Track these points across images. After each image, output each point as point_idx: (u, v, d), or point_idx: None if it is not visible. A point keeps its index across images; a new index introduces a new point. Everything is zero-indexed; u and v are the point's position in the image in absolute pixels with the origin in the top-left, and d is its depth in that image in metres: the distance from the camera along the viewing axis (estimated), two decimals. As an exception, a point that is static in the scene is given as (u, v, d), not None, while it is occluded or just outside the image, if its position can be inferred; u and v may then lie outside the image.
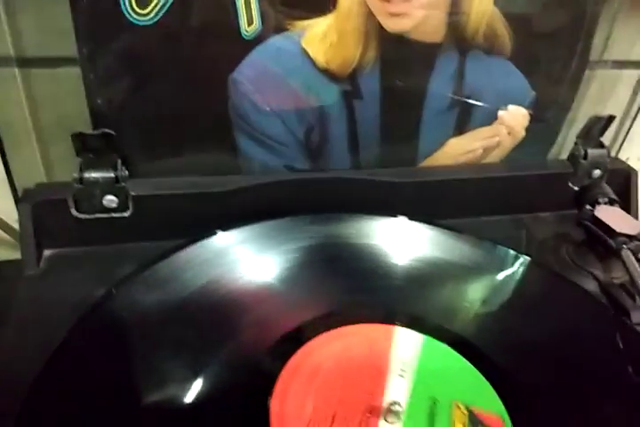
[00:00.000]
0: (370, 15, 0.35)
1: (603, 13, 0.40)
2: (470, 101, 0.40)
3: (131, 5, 0.30)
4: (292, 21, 0.34)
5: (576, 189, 0.45)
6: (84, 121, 0.36)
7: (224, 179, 0.37)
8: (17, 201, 0.36)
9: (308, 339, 0.28)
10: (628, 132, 0.51)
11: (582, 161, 0.44)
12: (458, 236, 0.37)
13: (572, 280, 0.36)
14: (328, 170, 0.40)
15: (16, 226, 0.39)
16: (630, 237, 0.37)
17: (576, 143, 0.44)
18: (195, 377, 0.26)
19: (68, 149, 0.37)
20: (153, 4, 0.31)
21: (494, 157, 0.44)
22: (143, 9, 0.31)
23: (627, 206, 0.46)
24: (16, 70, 0.35)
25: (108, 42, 0.31)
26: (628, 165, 0.47)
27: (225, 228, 0.35)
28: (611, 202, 0.40)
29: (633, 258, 0.36)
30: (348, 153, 0.40)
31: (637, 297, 0.35)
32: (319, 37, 0.34)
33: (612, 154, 0.48)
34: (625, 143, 0.53)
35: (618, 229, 0.37)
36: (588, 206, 0.40)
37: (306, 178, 0.39)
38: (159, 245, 0.35)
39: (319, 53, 0.35)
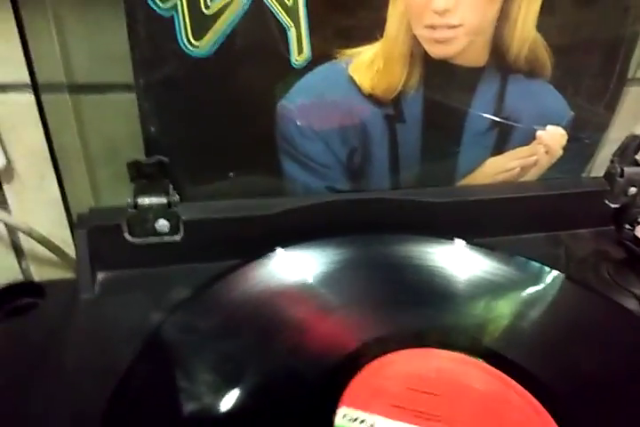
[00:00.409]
0: (415, 42, 0.35)
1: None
2: (509, 123, 0.40)
3: (187, 38, 0.31)
4: (340, 50, 0.34)
5: (613, 206, 0.45)
6: (132, 145, 0.37)
7: (269, 201, 0.38)
8: (72, 226, 0.37)
9: (369, 360, 0.29)
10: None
11: (619, 179, 0.44)
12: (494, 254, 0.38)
13: (615, 300, 0.37)
14: (369, 191, 0.41)
15: (64, 247, 0.40)
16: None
17: (612, 161, 0.44)
18: (264, 395, 0.27)
19: (115, 172, 0.39)
20: (208, 37, 0.31)
21: (532, 175, 0.44)
22: (199, 41, 0.31)
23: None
24: (67, 96, 0.36)
25: (164, 73, 0.32)
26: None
27: (284, 245, 0.36)
28: (649, 223, 0.40)
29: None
30: (388, 173, 0.41)
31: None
32: (366, 64, 0.35)
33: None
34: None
35: (660, 249, 0.37)
36: (627, 226, 0.40)
37: (348, 199, 0.40)
38: (209, 267, 0.36)
39: (365, 80, 0.36)
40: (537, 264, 0.37)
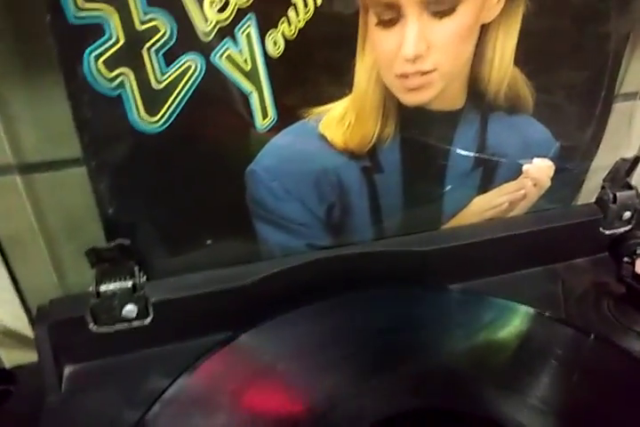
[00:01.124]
0: (387, 92, 0.33)
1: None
2: (495, 159, 0.38)
3: (139, 115, 0.28)
4: (308, 109, 0.31)
5: (607, 233, 0.43)
6: (94, 217, 0.34)
7: (244, 269, 0.36)
8: (31, 320, 0.34)
9: None
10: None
11: (612, 205, 0.42)
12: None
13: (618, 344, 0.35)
14: (350, 245, 0.38)
15: (23, 330, 0.38)
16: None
17: (603, 187, 0.43)
18: None
19: (78, 248, 0.36)
20: (163, 110, 0.28)
21: (521, 208, 0.42)
22: (152, 117, 0.28)
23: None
24: (17, 177, 0.33)
25: (117, 152, 0.29)
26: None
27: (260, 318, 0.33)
28: (649, 252, 0.38)
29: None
30: (370, 224, 0.38)
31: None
32: (337, 120, 0.33)
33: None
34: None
35: (662, 287, 0.35)
36: (625, 259, 0.38)
37: (328, 257, 0.37)
38: (183, 347, 0.34)
39: (337, 136, 0.33)
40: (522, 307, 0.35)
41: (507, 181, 0.40)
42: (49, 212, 0.35)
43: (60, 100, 0.29)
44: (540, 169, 0.40)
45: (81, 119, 0.28)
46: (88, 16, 0.25)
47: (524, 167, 0.40)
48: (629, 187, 0.43)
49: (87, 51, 0.26)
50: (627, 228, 0.44)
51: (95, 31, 0.25)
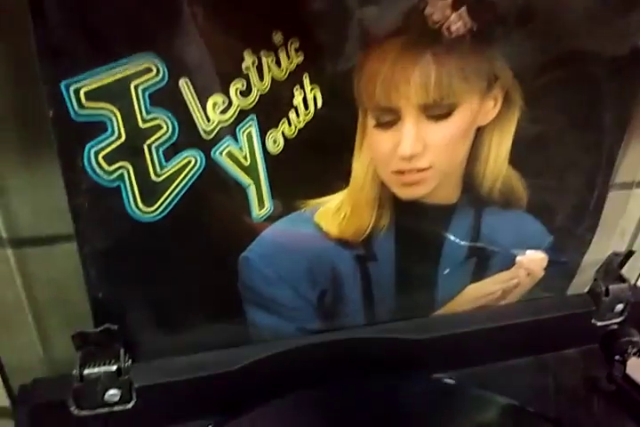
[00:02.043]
0: (383, 186, 0.33)
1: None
2: (488, 250, 0.38)
3: (136, 205, 0.29)
4: (304, 201, 0.32)
5: (599, 324, 0.43)
6: (82, 289, 0.34)
7: (231, 352, 0.35)
8: (12, 399, 0.33)
9: None
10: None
11: (604, 298, 0.42)
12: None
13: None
14: (341, 330, 0.38)
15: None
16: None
17: (596, 279, 0.43)
18: None
19: (66, 322, 0.35)
20: (160, 202, 0.29)
21: (514, 295, 0.42)
22: (149, 206, 0.29)
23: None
24: (9, 251, 0.33)
25: (111, 239, 0.29)
26: (651, 294, 0.45)
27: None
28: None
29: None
30: (362, 310, 0.38)
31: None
32: (332, 212, 0.33)
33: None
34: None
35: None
36: (617, 357, 0.38)
37: (316, 342, 0.37)
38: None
39: (332, 226, 0.33)
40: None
41: (500, 270, 0.40)
42: (38, 285, 0.35)
43: (57, 180, 0.29)
44: (533, 260, 0.40)
45: (77, 207, 0.28)
46: (91, 114, 0.25)
47: (518, 258, 0.40)
48: (622, 279, 0.43)
49: (88, 146, 0.26)
50: (619, 319, 0.44)
51: (97, 128, 0.26)
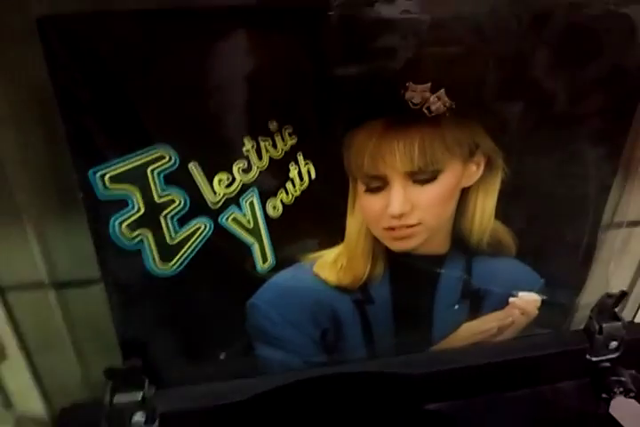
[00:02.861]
0: (376, 240, 0.37)
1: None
2: (481, 291, 0.41)
3: (155, 263, 0.33)
4: (304, 255, 0.36)
5: (594, 359, 0.45)
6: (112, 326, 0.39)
7: (241, 384, 0.40)
8: (53, 420, 0.39)
9: None
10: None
11: (597, 336, 0.44)
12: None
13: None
14: (343, 363, 0.42)
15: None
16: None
17: (590, 317, 0.45)
18: None
19: (102, 351, 0.41)
20: (175, 260, 0.33)
21: (510, 332, 0.45)
22: (166, 264, 0.33)
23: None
24: (51, 292, 0.39)
25: (134, 290, 0.34)
26: (647, 331, 0.47)
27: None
28: (626, 392, 0.40)
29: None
30: (363, 346, 0.42)
31: None
32: (330, 263, 0.37)
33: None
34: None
35: (633, 431, 0.37)
36: (604, 395, 0.40)
37: (319, 376, 0.41)
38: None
39: (331, 275, 0.37)
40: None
41: (495, 309, 0.43)
42: (76, 320, 0.40)
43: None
44: (526, 301, 0.43)
45: (104, 265, 0.33)
46: (114, 194, 0.30)
47: (511, 299, 0.43)
48: (617, 318, 0.45)
49: (112, 218, 0.31)
50: (614, 355, 0.46)
51: (120, 203, 0.31)
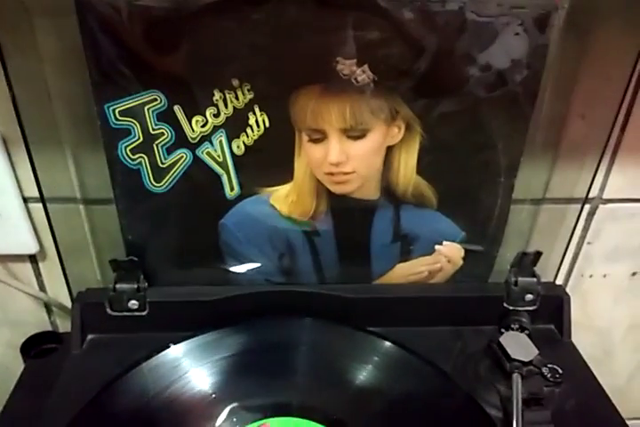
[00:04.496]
0: (319, 182, 0.48)
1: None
2: (409, 236, 0.51)
3: (150, 182, 0.46)
4: (262, 188, 0.48)
5: (511, 308, 0.54)
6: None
7: (214, 289, 0.52)
8: (72, 300, 0.52)
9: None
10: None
11: (514, 287, 0.53)
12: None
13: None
14: (297, 284, 0.53)
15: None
16: (525, 363, 0.46)
17: (509, 271, 0.54)
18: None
19: (116, 255, 0.54)
20: (165, 180, 0.46)
21: (439, 278, 0.54)
22: (158, 183, 0.46)
23: (560, 329, 0.55)
24: (81, 206, 0.52)
25: (135, 202, 0.47)
26: (564, 291, 0.55)
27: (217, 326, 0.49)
28: (522, 329, 0.49)
29: (520, 383, 0.45)
30: (313, 273, 0.53)
31: (514, 419, 0.43)
32: (282, 197, 0.48)
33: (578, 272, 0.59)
34: (584, 262, 0.61)
35: (512, 355, 0.46)
36: (502, 330, 0.49)
37: (276, 290, 0.52)
38: (166, 336, 0.49)
39: (283, 207, 0.49)
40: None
41: (424, 254, 0.53)
42: (98, 230, 0.53)
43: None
44: (450, 249, 0.52)
45: (115, 181, 0.46)
46: (121, 124, 0.43)
47: (436, 247, 0.52)
48: (533, 275, 0.54)
49: (120, 143, 0.44)
50: (531, 308, 0.54)
51: (126, 132, 0.44)
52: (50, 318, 0.59)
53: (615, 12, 0.44)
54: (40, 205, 0.51)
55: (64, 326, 0.60)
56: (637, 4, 0.43)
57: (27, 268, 0.56)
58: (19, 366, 0.52)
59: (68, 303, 0.56)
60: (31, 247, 0.53)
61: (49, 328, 0.60)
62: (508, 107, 0.45)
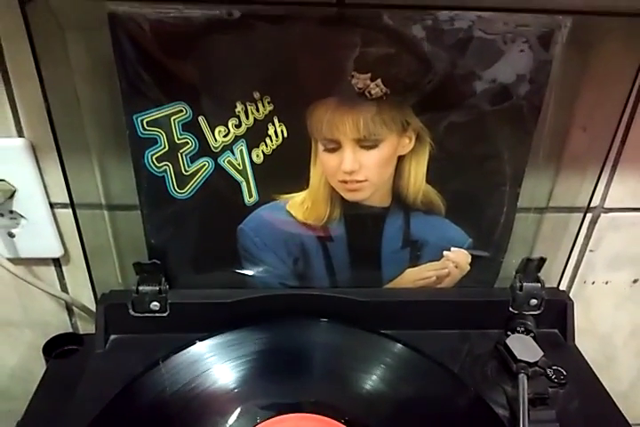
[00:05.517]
0: (333, 190, 0.50)
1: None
2: (419, 242, 0.54)
3: (174, 188, 0.48)
4: (279, 195, 0.50)
5: (516, 313, 0.56)
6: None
7: (231, 291, 0.54)
8: (97, 302, 0.54)
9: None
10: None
11: (519, 292, 0.55)
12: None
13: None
14: (311, 288, 0.55)
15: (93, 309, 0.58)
16: (531, 364, 0.48)
17: (515, 276, 0.56)
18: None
19: (135, 258, 0.56)
20: (188, 187, 0.49)
21: (447, 283, 0.56)
22: (181, 189, 0.49)
23: (564, 333, 0.57)
24: (105, 212, 0.54)
25: (159, 208, 0.50)
26: (567, 295, 0.58)
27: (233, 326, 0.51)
28: (527, 332, 0.51)
29: (526, 383, 0.47)
30: (326, 277, 0.55)
31: (521, 418, 0.44)
32: (298, 204, 0.51)
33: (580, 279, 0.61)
34: (586, 269, 0.63)
35: (518, 356, 0.48)
36: (508, 333, 0.51)
37: (291, 293, 0.54)
38: (186, 336, 0.51)
39: (299, 214, 0.51)
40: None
41: (432, 260, 0.55)
42: (121, 235, 0.56)
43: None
44: (458, 255, 0.55)
45: (140, 188, 0.49)
46: (149, 133, 0.46)
47: (444, 253, 0.55)
48: (538, 281, 0.56)
49: (147, 151, 0.46)
50: (536, 312, 0.56)
51: (152, 141, 0.46)
52: (71, 320, 0.61)
53: (615, 29, 0.46)
54: (65, 210, 0.54)
55: (85, 328, 0.62)
56: (636, 21, 0.46)
57: (50, 271, 0.58)
58: (40, 366, 0.54)
59: (90, 305, 0.58)
60: (56, 251, 0.55)
61: (70, 330, 0.62)
62: (513, 119, 0.47)
